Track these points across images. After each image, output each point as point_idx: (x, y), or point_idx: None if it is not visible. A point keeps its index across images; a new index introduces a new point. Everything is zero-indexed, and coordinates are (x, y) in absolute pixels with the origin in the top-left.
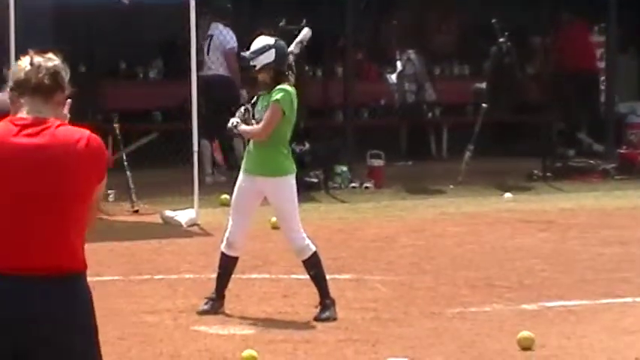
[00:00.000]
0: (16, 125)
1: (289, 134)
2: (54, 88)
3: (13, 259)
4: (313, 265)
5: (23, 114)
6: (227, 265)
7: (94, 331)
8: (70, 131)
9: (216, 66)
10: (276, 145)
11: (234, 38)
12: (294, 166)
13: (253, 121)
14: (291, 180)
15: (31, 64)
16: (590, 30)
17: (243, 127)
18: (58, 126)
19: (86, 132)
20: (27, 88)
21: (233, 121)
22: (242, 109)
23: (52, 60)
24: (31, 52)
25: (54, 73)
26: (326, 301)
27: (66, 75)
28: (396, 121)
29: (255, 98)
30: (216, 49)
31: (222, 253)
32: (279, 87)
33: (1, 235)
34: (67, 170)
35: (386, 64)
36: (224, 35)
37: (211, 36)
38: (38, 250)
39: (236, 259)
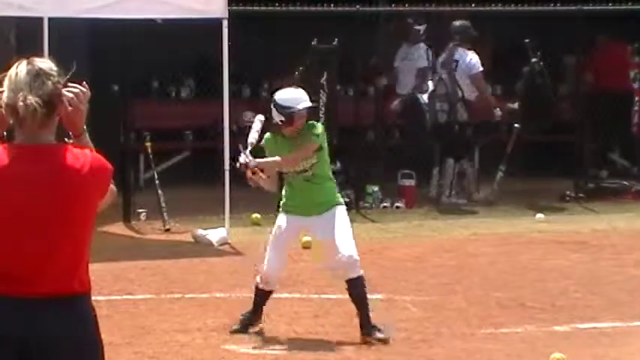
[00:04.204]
0: (15, 153)
1: None
2: (50, 114)
3: (19, 283)
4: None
5: (20, 141)
6: (263, 299)
7: (100, 350)
8: (72, 155)
9: (466, 90)
10: (330, 177)
11: (479, 62)
12: None
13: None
14: None
15: (23, 102)
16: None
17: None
18: (59, 151)
19: (88, 154)
20: (22, 122)
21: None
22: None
23: (44, 81)
24: (21, 72)
25: (49, 102)
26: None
27: (60, 82)
28: (427, 140)
29: (265, 139)
30: (463, 74)
31: (258, 288)
32: (311, 122)
33: (8, 260)
34: (71, 196)
35: None
36: (469, 60)
37: (457, 61)
38: (45, 275)
39: (272, 292)
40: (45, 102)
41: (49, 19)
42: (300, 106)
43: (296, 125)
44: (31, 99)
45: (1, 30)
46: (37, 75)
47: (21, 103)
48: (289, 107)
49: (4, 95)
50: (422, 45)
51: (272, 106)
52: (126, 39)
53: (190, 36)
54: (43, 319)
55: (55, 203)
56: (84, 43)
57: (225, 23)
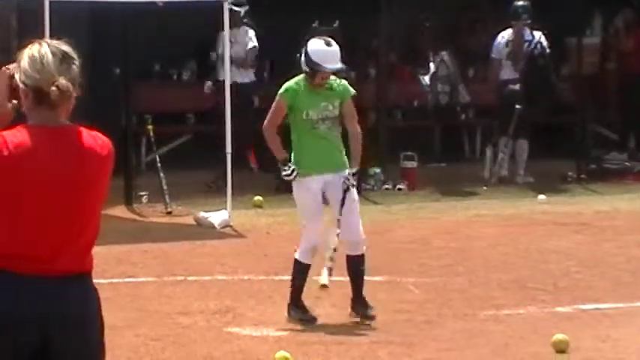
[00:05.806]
0: (39, 133)
1: None
2: (72, 95)
3: (41, 262)
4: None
5: (39, 121)
6: (305, 275)
7: (102, 327)
8: (90, 137)
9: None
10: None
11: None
12: None
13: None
14: None
15: (57, 86)
16: None
17: None
18: (79, 132)
19: (101, 135)
20: (47, 102)
21: None
22: None
23: (70, 65)
24: (46, 56)
25: (75, 85)
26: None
27: (78, 66)
28: (429, 122)
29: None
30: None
31: (303, 264)
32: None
33: (33, 240)
34: (94, 177)
35: (419, 65)
36: (541, 39)
37: (528, 41)
38: (65, 254)
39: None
40: (74, 85)
41: (50, 1)
42: (329, 68)
43: (317, 82)
44: (65, 83)
45: (2, 13)
46: (64, 58)
47: (54, 88)
48: (317, 64)
49: (22, 75)
50: (245, 28)
51: (302, 53)
52: (127, 21)
53: (192, 18)
54: (62, 297)
55: (79, 184)
56: (85, 26)
57: (226, 5)
